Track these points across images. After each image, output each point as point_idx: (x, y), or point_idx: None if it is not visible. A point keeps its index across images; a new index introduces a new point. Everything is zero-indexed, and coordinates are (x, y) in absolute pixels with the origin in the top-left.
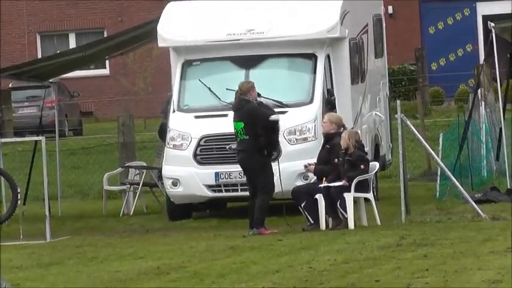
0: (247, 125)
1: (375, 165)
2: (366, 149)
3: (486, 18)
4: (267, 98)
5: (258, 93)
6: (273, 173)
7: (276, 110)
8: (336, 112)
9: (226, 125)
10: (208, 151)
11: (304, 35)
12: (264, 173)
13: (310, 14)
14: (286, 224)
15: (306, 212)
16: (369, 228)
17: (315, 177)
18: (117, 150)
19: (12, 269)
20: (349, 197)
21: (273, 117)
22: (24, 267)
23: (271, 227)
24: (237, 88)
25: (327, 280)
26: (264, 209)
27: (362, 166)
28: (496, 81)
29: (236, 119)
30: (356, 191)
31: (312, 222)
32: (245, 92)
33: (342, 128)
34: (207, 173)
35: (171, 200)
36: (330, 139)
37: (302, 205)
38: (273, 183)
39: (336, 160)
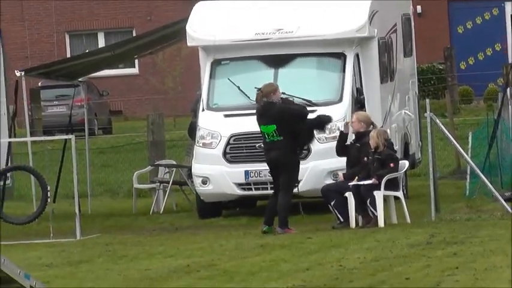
0: (280, 126)
1: (405, 164)
2: (395, 148)
3: None
4: (296, 97)
5: (283, 93)
6: (298, 173)
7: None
8: (365, 111)
9: (255, 123)
10: (237, 149)
11: (333, 35)
12: (293, 172)
13: (339, 13)
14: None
15: (335, 210)
16: (398, 226)
17: None
18: (147, 148)
19: (42, 267)
20: (379, 195)
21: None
22: (53, 265)
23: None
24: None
25: (356, 278)
26: (287, 209)
27: (391, 164)
28: None
29: (264, 123)
30: (386, 189)
31: (342, 220)
32: (267, 94)
33: (372, 126)
34: (237, 171)
35: (201, 198)
36: (360, 138)
37: (332, 203)
38: (295, 183)
39: (366, 159)
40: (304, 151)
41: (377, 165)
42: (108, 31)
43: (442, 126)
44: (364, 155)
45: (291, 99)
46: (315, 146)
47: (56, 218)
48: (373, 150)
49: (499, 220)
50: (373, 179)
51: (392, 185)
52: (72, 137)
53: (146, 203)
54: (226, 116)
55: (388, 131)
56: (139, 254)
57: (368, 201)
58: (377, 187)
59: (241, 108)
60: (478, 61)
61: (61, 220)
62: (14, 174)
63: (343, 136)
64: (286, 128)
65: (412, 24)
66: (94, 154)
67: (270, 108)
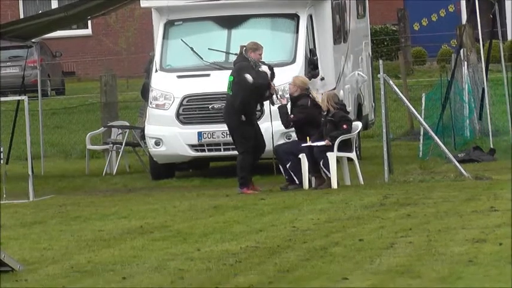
0: (234, 82)
1: (358, 125)
2: (348, 109)
3: None
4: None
5: (266, 64)
6: (252, 133)
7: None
8: (318, 72)
9: (208, 84)
10: (191, 111)
11: None
12: (239, 132)
13: None
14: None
15: (292, 173)
16: (352, 188)
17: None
18: (100, 109)
19: None
20: (332, 157)
21: (248, 77)
22: (7, 226)
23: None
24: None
25: (310, 239)
26: (242, 169)
27: (344, 126)
28: (479, 41)
29: (231, 73)
30: (339, 150)
31: (298, 183)
32: (248, 50)
33: (307, 91)
34: (190, 132)
35: (154, 159)
36: (295, 101)
37: (287, 165)
38: (250, 143)
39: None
40: (257, 112)
41: (330, 127)
42: None
43: (395, 88)
44: (295, 117)
45: (261, 68)
46: (267, 107)
47: (9, 179)
48: (325, 113)
49: (452, 181)
50: (326, 141)
51: (345, 146)
52: (25, 98)
53: (99, 164)
54: (179, 77)
55: (341, 92)
56: (92, 215)
57: (321, 163)
58: (330, 148)
59: (194, 69)
60: (432, 22)
61: (14, 182)
62: None
63: (282, 109)
64: (236, 85)
65: None
66: (47, 115)
67: (238, 61)
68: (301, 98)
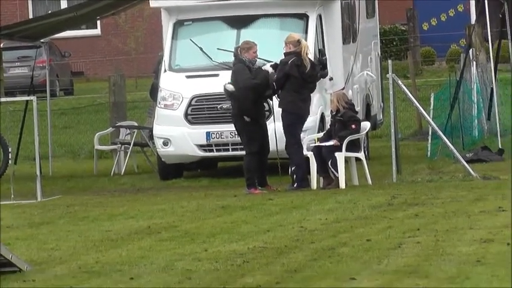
0: (233, 84)
1: (366, 125)
2: (357, 109)
3: None
4: (259, 58)
5: (264, 59)
6: (258, 134)
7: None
8: (327, 72)
9: (217, 84)
10: (199, 111)
11: None
12: (245, 133)
13: None
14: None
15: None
16: (360, 188)
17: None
18: (108, 110)
19: (3, 229)
20: (340, 156)
21: (228, 86)
22: (15, 226)
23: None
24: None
25: (318, 239)
26: (248, 170)
27: (353, 126)
28: (488, 41)
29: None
30: (347, 150)
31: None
32: (241, 50)
33: (298, 43)
34: (198, 132)
35: (162, 159)
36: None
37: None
38: (256, 143)
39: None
40: (266, 111)
41: (338, 127)
42: None
43: (404, 87)
44: (279, 70)
45: (264, 67)
46: (277, 107)
47: (17, 179)
48: (334, 113)
49: (460, 181)
50: (335, 141)
51: (354, 146)
52: (33, 98)
53: (107, 164)
54: (188, 77)
55: (350, 92)
56: (100, 215)
57: (329, 163)
58: (338, 148)
59: (203, 69)
60: (441, 22)
61: (22, 182)
62: None
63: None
64: (235, 88)
65: None
66: (55, 115)
67: (234, 64)
68: (290, 55)
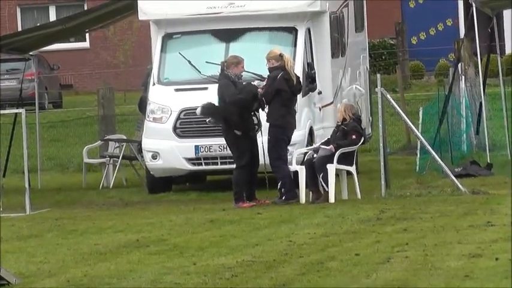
0: (219, 100)
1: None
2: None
3: None
4: (247, 72)
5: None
6: (248, 147)
7: (258, 83)
8: (315, 86)
9: (206, 98)
10: (188, 124)
11: (285, 9)
12: (235, 147)
13: None
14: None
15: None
16: (349, 202)
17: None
18: (97, 123)
19: None
20: (331, 169)
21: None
22: (3, 239)
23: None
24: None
25: (306, 253)
26: (237, 184)
27: (354, 136)
28: (477, 55)
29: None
30: (340, 163)
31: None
32: (228, 66)
33: (281, 58)
34: (187, 146)
35: (151, 173)
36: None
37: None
38: (246, 157)
39: (260, 89)
40: (255, 125)
41: (340, 135)
42: (59, 4)
43: (393, 102)
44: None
45: (253, 81)
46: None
47: (6, 192)
48: (339, 123)
49: (449, 196)
50: (331, 146)
51: (346, 159)
52: (22, 111)
53: (96, 177)
54: (176, 90)
55: (339, 106)
56: (88, 228)
57: (320, 176)
58: (331, 160)
59: (192, 83)
60: (430, 36)
61: (11, 195)
62: None
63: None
64: (221, 103)
65: None
66: (44, 128)
67: (219, 79)
68: (273, 71)
